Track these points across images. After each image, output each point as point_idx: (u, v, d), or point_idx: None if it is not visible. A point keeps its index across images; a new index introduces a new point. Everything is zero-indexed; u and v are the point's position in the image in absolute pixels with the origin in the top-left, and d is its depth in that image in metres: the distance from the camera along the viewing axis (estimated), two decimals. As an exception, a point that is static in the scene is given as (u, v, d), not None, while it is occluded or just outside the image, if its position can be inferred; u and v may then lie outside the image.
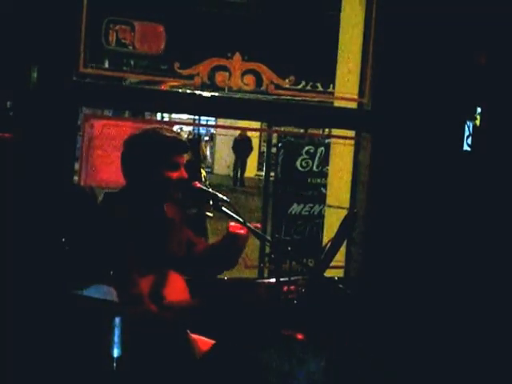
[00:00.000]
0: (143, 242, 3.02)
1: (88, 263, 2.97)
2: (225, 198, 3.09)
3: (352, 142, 4.01)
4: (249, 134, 20.66)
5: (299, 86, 3.87)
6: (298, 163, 6.13)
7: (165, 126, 3.23)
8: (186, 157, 3.22)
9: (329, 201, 4.61)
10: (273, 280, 3.08)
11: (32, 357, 3.05)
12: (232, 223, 3.16)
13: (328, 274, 3.31)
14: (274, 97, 3.72)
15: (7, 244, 3.12)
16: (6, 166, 3.14)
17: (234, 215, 3.06)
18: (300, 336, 2.83)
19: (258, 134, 21.65)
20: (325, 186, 5.48)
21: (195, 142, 13.93)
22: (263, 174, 7.25)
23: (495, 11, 3.93)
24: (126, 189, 3.14)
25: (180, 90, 3.67)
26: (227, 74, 3.59)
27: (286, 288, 3.00)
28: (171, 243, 3.18)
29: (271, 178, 6.71)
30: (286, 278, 3.00)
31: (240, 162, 21.29)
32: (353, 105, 3.98)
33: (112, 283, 2.76)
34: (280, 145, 6.34)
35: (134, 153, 3.11)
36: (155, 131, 3.15)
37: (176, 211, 3.27)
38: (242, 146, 20.94)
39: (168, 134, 3.13)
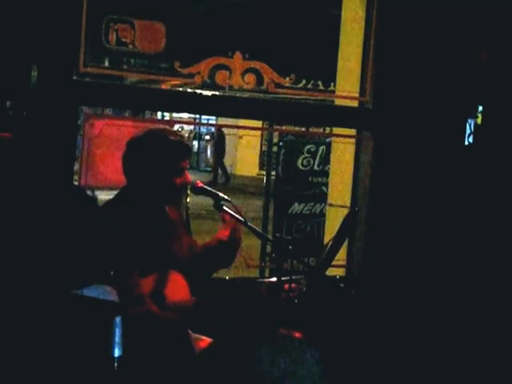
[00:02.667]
0: (144, 243, 3.01)
1: (89, 263, 2.96)
2: (226, 197, 3.08)
3: (353, 140, 4.00)
4: (250, 133, 20.56)
5: (300, 85, 3.86)
6: (299, 162, 6.11)
7: (168, 128, 3.20)
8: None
9: (330, 199, 4.59)
10: (274, 279, 3.08)
11: (33, 357, 3.05)
12: (228, 219, 3.15)
13: (329, 272, 3.31)
14: (275, 95, 3.72)
15: (7, 245, 3.12)
16: (5, 166, 3.14)
17: (236, 215, 3.05)
18: (298, 335, 2.82)
19: (259, 132, 21.55)
20: (326, 184, 5.46)
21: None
22: (264, 173, 7.22)
23: (495, 9, 3.92)
24: (127, 189, 3.13)
25: (181, 89, 3.66)
26: (228, 72, 3.59)
27: (287, 287, 3.00)
28: (173, 244, 3.17)
29: (272, 177, 6.69)
30: (288, 277, 2.99)
31: (218, 159, 21.16)
32: (354, 103, 3.97)
33: (113, 283, 2.76)
34: (281, 144, 6.31)
35: (138, 158, 3.07)
36: (159, 136, 3.10)
37: (178, 212, 3.26)
38: (218, 143, 20.92)
39: (173, 139, 3.08)
